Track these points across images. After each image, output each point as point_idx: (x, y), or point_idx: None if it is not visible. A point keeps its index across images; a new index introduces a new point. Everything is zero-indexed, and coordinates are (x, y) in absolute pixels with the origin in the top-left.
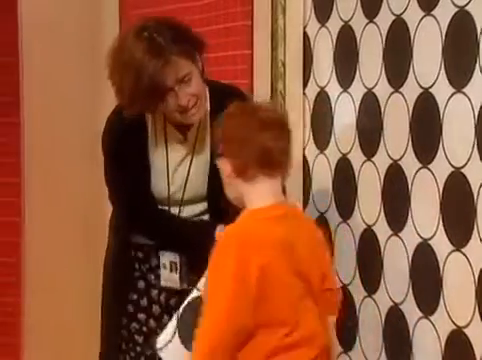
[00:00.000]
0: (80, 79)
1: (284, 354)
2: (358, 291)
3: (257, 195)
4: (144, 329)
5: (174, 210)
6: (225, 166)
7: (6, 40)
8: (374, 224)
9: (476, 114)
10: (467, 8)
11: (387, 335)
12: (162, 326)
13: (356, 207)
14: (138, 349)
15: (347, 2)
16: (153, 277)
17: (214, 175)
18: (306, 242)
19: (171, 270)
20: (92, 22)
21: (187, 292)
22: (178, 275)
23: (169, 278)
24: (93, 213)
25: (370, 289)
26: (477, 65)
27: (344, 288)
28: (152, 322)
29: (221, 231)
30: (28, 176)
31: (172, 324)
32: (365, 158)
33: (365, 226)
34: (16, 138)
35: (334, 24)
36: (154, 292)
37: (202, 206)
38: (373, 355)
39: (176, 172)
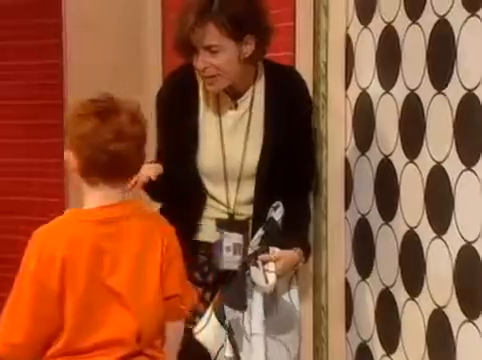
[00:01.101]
0: (122, 77)
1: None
2: (400, 294)
3: (92, 198)
4: (189, 326)
5: (231, 185)
6: (70, 159)
7: (51, 42)
8: (416, 226)
9: None
10: None
11: (430, 339)
12: None
13: (398, 209)
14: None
15: (390, 3)
16: (198, 274)
17: (269, 149)
18: (127, 251)
19: (234, 252)
20: (134, 22)
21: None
22: (240, 256)
23: (232, 260)
24: None
25: (412, 292)
26: None
27: (387, 290)
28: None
29: None
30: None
31: (208, 311)
32: (407, 160)
33: (407, 228)
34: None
35: (376, 25)
36: (199, 289)
37: (254, 186)
38: (416, 358)
39: (229, 140)
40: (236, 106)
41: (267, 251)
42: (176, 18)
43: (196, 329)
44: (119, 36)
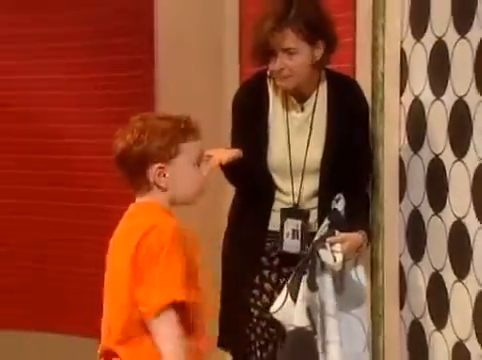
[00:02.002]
0: (204, 86)
1: None
2: (449, 276)
3: None
4: (259, 302)
5: (296, 179)
6: None
7: (145, 57)
8: (464, 217)
9: None
10: None
11: (476, 316)
12: (273, 301)
13: (447, 202)
14: (255, 319)
15: (441, 20)
16: (265, 259)
17: (331, 147)
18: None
19: (293, 237)
20: (215, 39)
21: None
22: (299, 241)
23: (291, 244)
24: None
25: (460, 275)
26: None
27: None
28: (265, 298)
29: None
30: None
31: (284, 291)
32: (455, 158)
33: (455, 218)
34: None
35: (428, 40)
36: (265, 272)
37: (318, 179)
38: (463, 333)
39: (295, 139)
40: (302, 109)
41: (333, 234)
42: (254, 26)
43: (273, 309)
44: (202, 51)
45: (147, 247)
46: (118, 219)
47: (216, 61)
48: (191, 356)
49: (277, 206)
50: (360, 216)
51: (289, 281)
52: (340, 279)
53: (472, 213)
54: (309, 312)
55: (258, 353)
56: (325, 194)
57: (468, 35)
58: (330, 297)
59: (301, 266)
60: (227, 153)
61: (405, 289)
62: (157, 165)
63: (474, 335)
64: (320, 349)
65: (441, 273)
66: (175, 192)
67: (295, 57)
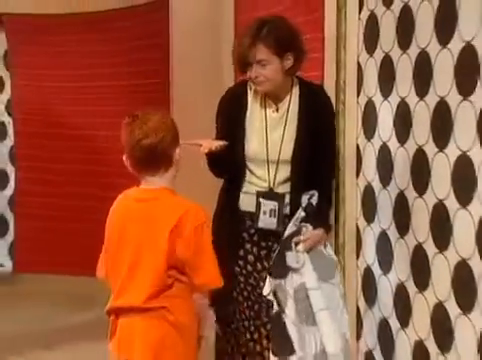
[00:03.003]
0: (206, 91)
1: None
2: (392, 233)
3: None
4: (243, 271)
5: (272, 167)
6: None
7: (163, 68)
8: (405, 189)
9: None
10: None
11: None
12: (258, 269)
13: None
14: (241, 285)
15: (387, 39)
16: (246, 235)
17: (300, 142)
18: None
19: (270, 216)
20: (215, 54)
21: (279, 234)
22: (276, 219)
23: (269, 222)
24: None
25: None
26: None
27: (383, 232)
28: (249, 267)
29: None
30: None
31: (267, 280)
32: (399, 144)
33: (398, 190)
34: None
35: (378, 55)
36: (247, 246)
37: (290, 169)
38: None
39: (272, 134)
40: (277, 109)
41: (299, 233)
42: (236, 42)
43: (265, 292)
44: (205, 63)
45: (191, 222)
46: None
47: (216, 70)
48: None
49: (253, 189)
50: (322, 214)
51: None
52: (317, 256)
53: (410, 187)
54: (275, 294)
55: (247, 312)
56: (296, 181)
57: (409, 51)
58: (311, 274)
59: (274, 262)
60: (215, 143)
61: (360, 244)
62: (177, 149)
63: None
64: (293, 324)
65: (387, 231)
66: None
67: (267, 67)
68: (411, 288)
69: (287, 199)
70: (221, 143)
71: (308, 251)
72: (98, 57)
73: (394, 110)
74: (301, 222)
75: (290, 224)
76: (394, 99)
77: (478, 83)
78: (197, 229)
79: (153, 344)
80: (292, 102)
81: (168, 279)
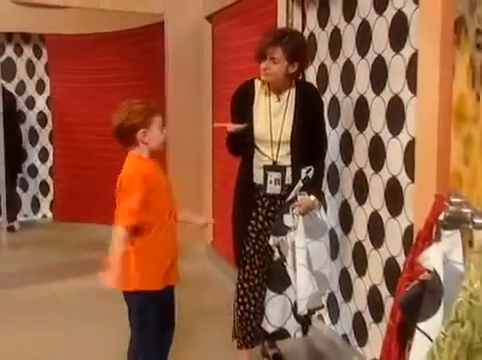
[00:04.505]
0: (192, 97)
1: None
2: (352, 202)
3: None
4: (255, 229)
5: (274, 146)
6: None
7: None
8: (364, 167)
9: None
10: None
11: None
12: (265, 226)
13: (352, 158)
14: (253, 240)
15: (348, 47)
16: (258, 201)
17: (296, 126)
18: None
19: (275, 184)
20: (199, 69)
21: (283, 198)
22: (280, 186)
23: (274, 188)
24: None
25: (360, 200)
26: None
27: (346, 202)
28: (259, 225)
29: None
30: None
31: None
32: (358, 132)
33: (357, 168)
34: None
35: (341, 60)
36: (259, 209)
37: (289, 147)
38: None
39: (274, 119)
40: (279, 100)
41: (296, 199)
42: (261, 37)
43: (270, 243)
44: (191, 78)
45: (121, 181)
46: None
47: (198, 83)
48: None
49: (261, 164)
50: (315, 185)
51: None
52: (310, 219)
53: (368, 165)
54: (279, 248)
55: (256, 262)
56: (295, 157)
57: (367, 57)
58: (300, 235)
59: (275, 223)
60: (236, 125)
61: (326, 210)
62: (141, 130)
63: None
64: (290, 269)
65: (348, 201)
66: (150, 145)
67: (277, 65)
68: (368, 246)
69: (289, 171)
70: (241, 126)
71: (303, 214)
72: (109, 67)
73: (354, 104)
74: (300, 191)
75: (292, 192)
76: (354, 95)
77: None
78: (122, 180)
79: None
80: (290, 94)
81: None
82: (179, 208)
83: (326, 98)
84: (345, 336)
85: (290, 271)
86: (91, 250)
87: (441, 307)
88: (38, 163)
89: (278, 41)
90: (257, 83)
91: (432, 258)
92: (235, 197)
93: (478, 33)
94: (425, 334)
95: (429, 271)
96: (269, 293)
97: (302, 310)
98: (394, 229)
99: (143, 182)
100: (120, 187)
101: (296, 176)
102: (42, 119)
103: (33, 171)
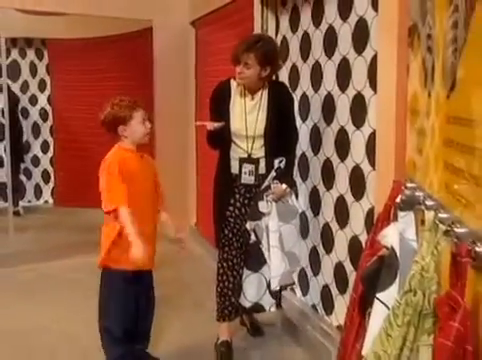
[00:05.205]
0: (178, 93)
1: None
2: (321, 188)
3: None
4: (233, 214)
5: (249, 140)
6: None
7: (148, 82)
8: (331, 156)
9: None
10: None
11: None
12: (242, 212)
13: (320, 148)
14: (231, 224)
15: (317, 50)
16: (236, 189)
17: (269, 122)
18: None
19: (249, 175)
20: (184, 69)
21: (258, 186)
22: (253, 176)
23: (248, 179)
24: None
25: (327, 186)
26: None
27: (315, 188)
28: (236, 211)
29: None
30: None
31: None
32: (326, 125)
33: (325, 157)
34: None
35: (310, 61)
36: (236, 196)
37: (263, 141)
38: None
39: (249, 116)
40: (253, 98)
41: (269, 188)
42: (236, 44)
43: (248, 227)
44: (176, 76)
45: (102, 167)
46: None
47: (184, 83)
48: None
49: (237, 156)
50: (287, 174)
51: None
52: (282, 205)
53: (335, 155)
54: (255, 232)
55: (234, 244)
56: (268, 150)
57: (333, 58)
58: (274, 220)
59: (251, 208)
60: (215, 124)
61: (297, 196)
62: (121, 126)
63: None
64: (266, 251)
65: (317, 186)
66: (133, 138)
67: (250, 69)
68: (334, 226)
69: (262, 163)
70: (220, 124)
71: (276, 201)
72: (103, 67)
73: (322, 101)
74: (273, 180)
75: (266, 181)
76: (322, 92)
77: None
78: (103, 171)
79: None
80: (264, 93)
81: None
82: (163, 203)
83: (297, 95)
84: (314, 306)
85: (265, 252)
86: (88, 232)
87: (397, 279)
88: (40, 154)
89: (251, 48)
90: (233, 83)
91: (390, 236)
92: (215, 186)
93: (429, 37)
94: (383, 303)
95: (387, 248)
96: (246, 272)
97: (275, 286)
98: (357, 211)
99: (120, 170)
100: (102, 173)
101: (269, 167)
102: (44, 115)
103: (36, 161)
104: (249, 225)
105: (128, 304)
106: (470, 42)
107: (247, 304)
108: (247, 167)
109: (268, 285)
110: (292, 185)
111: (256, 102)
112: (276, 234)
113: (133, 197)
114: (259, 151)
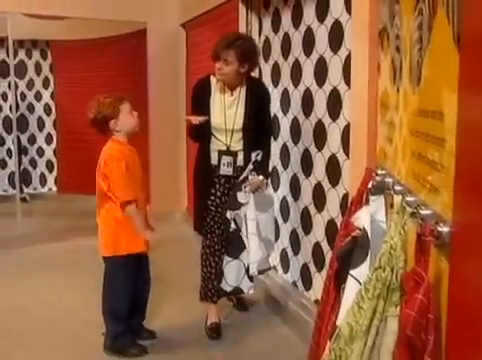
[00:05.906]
0: (170, 89)
1: None
2: (300, 177)
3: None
4: (214, 203)
5: (228, 134)
6: None
7: (143, 80)
8: (309, 146)
9: None
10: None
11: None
12: (223, 201)
13: (300, 139)
14: (212, 213)
15: (296, 48)
16: (216, 179)
17: (247, 117)
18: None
19: (227, 166)
20: (175, 69)
21: (236, 178)
22: (232, 168)
23: (226, 170)
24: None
25: (306, 173)
26: None
27: (295, 176)
28: (217, 200)
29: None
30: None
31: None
32: (305, 117)
33: (304, 147)
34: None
35: (290, 59)
36: (217, 186)
37: (241, 135)
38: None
39: (228, 111)
40: (232, 94)
41: (247, 179)
42: (217, 41)
43: (228, 216)
44: (168, 74)
45: (103, 160)
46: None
47: (175, 80)
48: None
49: (216, 148)
50: (263, 166)
51: (227, 203)
52: (259, 195)
53: (313, 145)
54: (235, 220)
55: (216, 231)
56: (245, 143)
57: (311, 57)
58: (251, 209)
59: (229, 199)
60: (199, 118)
61: (279, 183)
62: (112, 121)
63: None
64: (245, 238)
65: (297, 174)
66: (125, 130)
67: (229, 66)
68: (312, 210)
69: (240, 155)
70: (205, 118)
71: (254, 192)
72: (102, 66)
73: (301, 96)
74: (251, 171)
75: (244, 173)
76: (302, 88)
77: None
78: (105, 163)
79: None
80: (242, 90)
81: (107, 198)
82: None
83: (279, 90)
84: (294, 283)
85: (245, 239)
86: (87, 217)
87: (368, 257)
88: (45, 145)
89: (231, 45)
90: (212, 79)
91: (362, 218)
92: (195, 176)
93: (397, 38)
94: (355, 279)
95: (359, 229)
96: (226, 258)
97: (253, 271)
98: (333, 196)
99: (127, 166)
100: (102, 170)
101: (247, 159)
102: (47, 109)
103: (40, 152)
104: (229, 214)
105: (131, 286)
106: (433, 42)
107: (228, 288)
108: (226, 159)
109: (247, 270)
110: (268, 176)
111: (235, 98)
112: (254, 222)
113: (132, 187)
114: (237, 144)
